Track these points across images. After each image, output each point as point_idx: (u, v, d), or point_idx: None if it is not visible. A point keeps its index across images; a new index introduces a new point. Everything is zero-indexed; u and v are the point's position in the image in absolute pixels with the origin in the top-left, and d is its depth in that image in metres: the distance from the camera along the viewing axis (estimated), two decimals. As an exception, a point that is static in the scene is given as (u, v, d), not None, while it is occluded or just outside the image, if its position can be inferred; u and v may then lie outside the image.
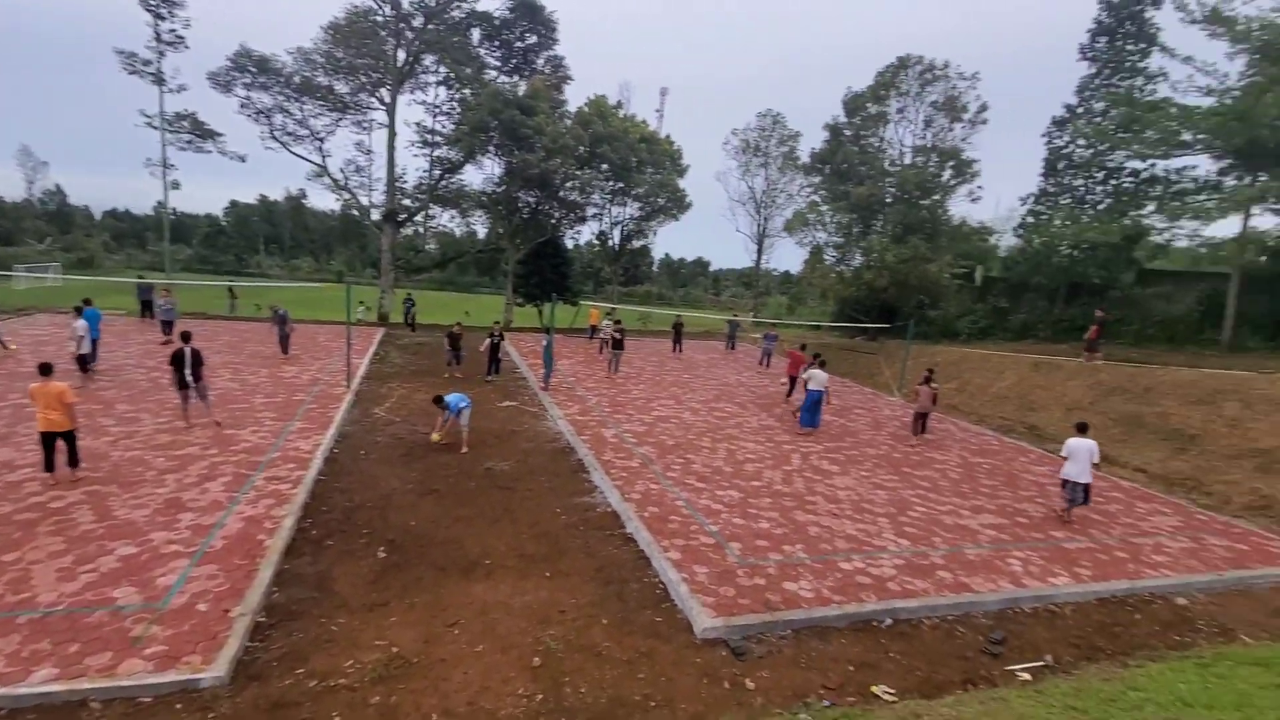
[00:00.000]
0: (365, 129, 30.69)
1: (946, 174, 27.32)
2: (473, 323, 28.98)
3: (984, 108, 26.74)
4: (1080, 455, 9.82)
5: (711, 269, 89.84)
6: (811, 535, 8.65)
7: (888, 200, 27.57)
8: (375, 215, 31.45)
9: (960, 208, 70.12)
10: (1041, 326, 24.28)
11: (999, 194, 60.71)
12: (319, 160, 29.99)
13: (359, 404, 14.34)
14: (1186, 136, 19.10)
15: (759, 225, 40.35)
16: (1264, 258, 19.75)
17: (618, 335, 19.83)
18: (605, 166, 31.04)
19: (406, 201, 31.52)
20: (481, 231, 40.56)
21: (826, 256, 31.47)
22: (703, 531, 8.45)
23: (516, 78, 30.20)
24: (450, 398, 11.49)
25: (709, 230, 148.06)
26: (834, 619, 6.65)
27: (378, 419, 13.33)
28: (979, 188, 27.36)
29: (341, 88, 29.00)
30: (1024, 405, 17.62)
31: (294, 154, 29.69)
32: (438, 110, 30.66)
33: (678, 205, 34.02)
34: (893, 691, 5.52)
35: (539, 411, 14.98)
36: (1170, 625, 7.39)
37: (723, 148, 39.80)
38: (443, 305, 40.26)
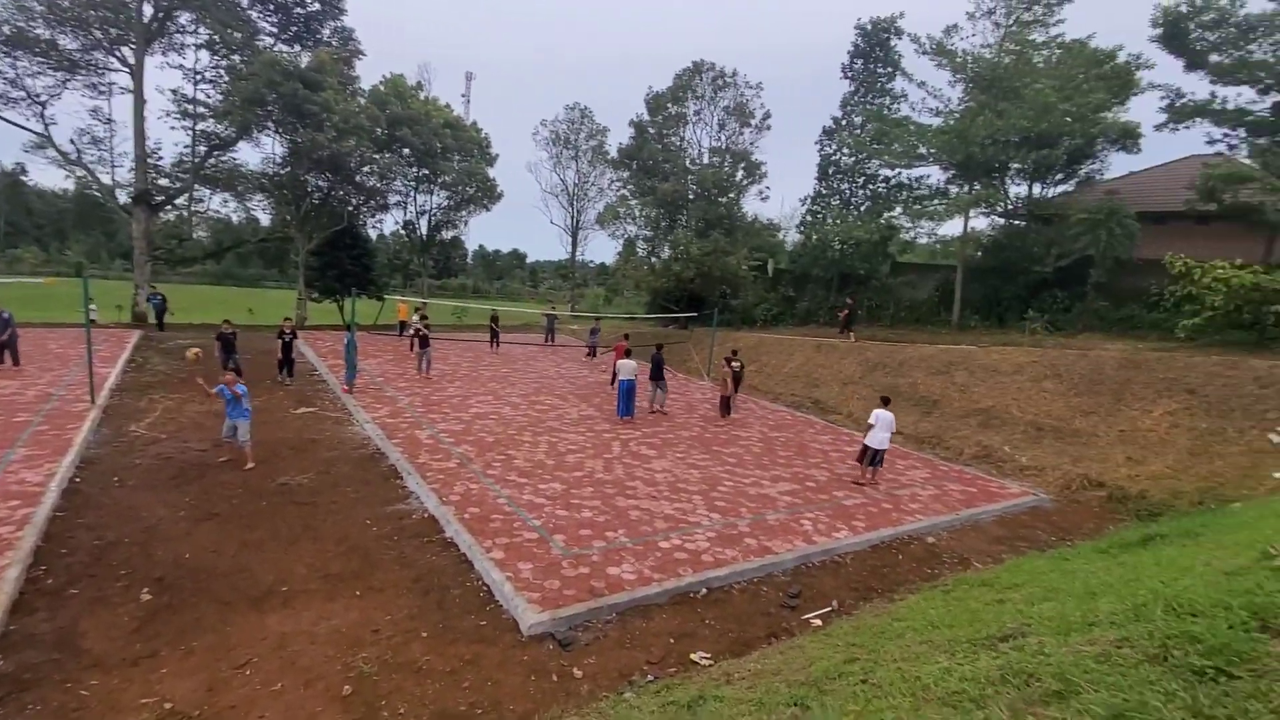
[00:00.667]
0: (103, 93, 25.61)
1: (739, 174, 29.75)
2: (258, 321, 25.72)
3: (768, 115, 29.51)
4: (883, 424, 11.18)
5: (529, 261, 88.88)
6: (632, 519, 8.97)
7: (690, 197, 29.32)
8: (123, 197, 26.44)
9: (752, 205, 76.05)
10: (821, 312, 27.49)
11: (784, 194, 67.97)
12: (40, 128, 24.48)
13: (109, 421, 12.04)
14: (923, 150, 22.70)
15: (573, 218, 40.75)
16: (980, 253, 24.19)
17: (424, 331, 18.74)
18: (407, 151, 29.20)
19: (163, 181, 26.92)
20: (265, 218, 36.05)
21: (639, 249, 32.69)
22: (526, 527, 8.37)
23: (298, 48, 27.13)
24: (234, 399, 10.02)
25: (525, 222, 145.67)
26: (655, 596, 6.97)
27: (136, 438, 11.30)
28: (767, 188, 30.29)
29: (69, 43, 23.83)
30: (810, 382, 19.85)
31: (3, 119, 23.93)
32: (200, 77, 26.53)
33: (488, 195, 33.14)
34: (709, 655, 5.94)
35: (342, 416, 13.75)
36: (923, 561, 8.80)
37: (533, 138, 39.51)
38: (220, 302, 35.18)
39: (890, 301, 26.01)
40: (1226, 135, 18.27)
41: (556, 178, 39.75)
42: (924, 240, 27.82)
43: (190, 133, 26.77)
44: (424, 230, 34.59)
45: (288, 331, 16.23)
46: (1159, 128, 19.02)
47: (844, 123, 28.35)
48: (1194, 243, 17.69)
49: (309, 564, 7.25)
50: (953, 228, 24.85)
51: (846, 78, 28.29)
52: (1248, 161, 17.61)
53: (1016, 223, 24.25)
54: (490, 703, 5.15)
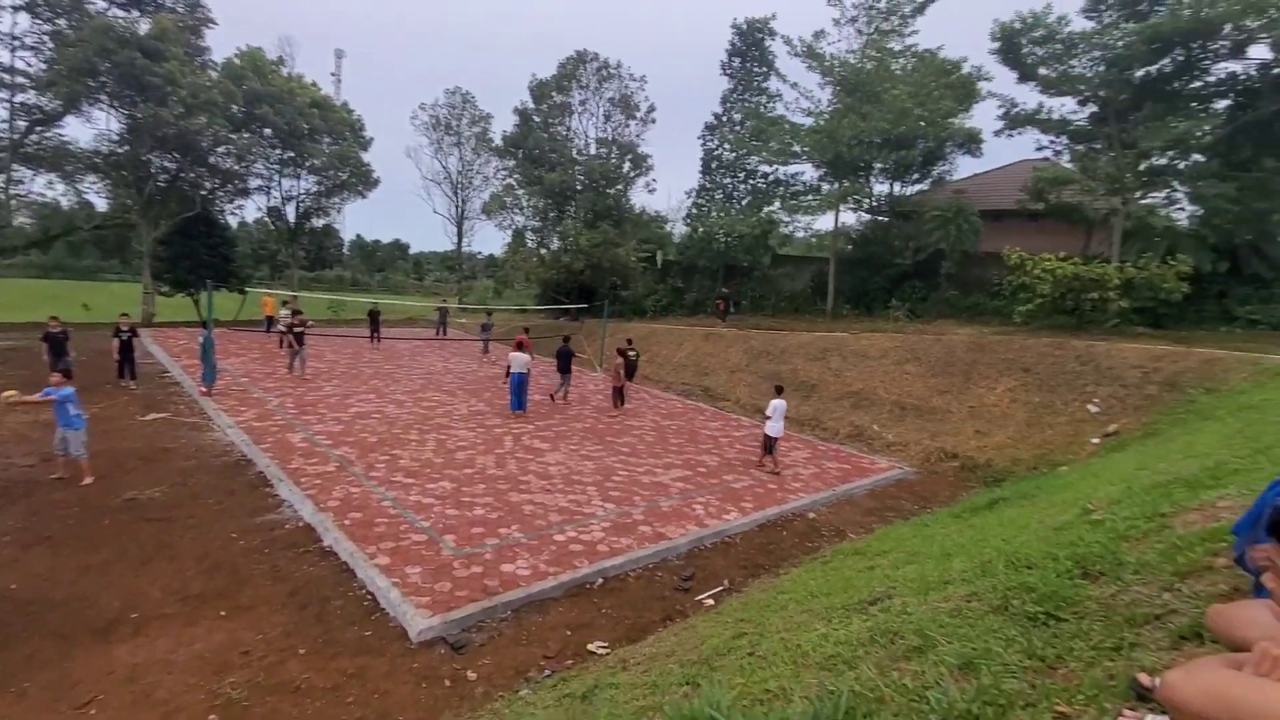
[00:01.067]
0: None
1: (626, 166, 30.00)
2: (95, 318, 22.80)
3: (653, 109, 29.94)
4: (779, 413, 11.63)
5: (412, 252, 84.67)
6: (526, 514, 8.86)
7: (578, 188, 29.20)
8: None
9: (640, 198, 76.79)
10: (708, 303, 28.40)
11: (670, 187, 69.38)
12: None
13: (-103, 440, 10.24)
14: (797, 149, 23.99)
15: (458, 207, 39.27)
16: (850, 246, 25.99)
17: (297, 327, 17.27)
18: (269, 132, 26.90)
19: (-31, 159, 23.15)
20: (102, 203, 31.84)
21: (528, 240, 32.14)
22: (414, 529, 8.04)
23: (136, 13, 24.15)
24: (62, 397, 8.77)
25: (406, 211, 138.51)
26: (551, 590, 6.93)
27: (-65, 457, 9.68)
28: (654, 180, 30.77)
29: None
30: (699, 370, 20.47)
31: None
32: (19, 43, 22.96)
33: (363, 181, 31.25)
34: (606, 644, 5.99)
35: (201, 421, 12.51)
36: (805, 535, 9.35)
37: (411, 123, 37.60)
38: (50, 297, 30.78)
39: (771, 292, 27.33)
40: (1052, 142, 20.72)
41: (438, 165, 38.09)
42: (801, 234, 29.51)
43: (8, 105, 23.17)
44: (292, 218, 32.05)
45: (125, 329, 14.53)
46: (997, 133, 21.24)
47: (725, 119, 29.30)
48: (1027, 238, 19.96)
49: (164, 586, 6.55)
50: (825, 222, 26.52)
51: (726, 75, 29.24)
52: (1069, 166, 20.06)
53: (880, 218, 26.22)
54: (378, 716, 4.91)
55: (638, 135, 30.38)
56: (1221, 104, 18.53)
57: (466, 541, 7.83)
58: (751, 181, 29.10)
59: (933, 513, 9.78)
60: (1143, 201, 19.44)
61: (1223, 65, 18.07)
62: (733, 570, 7.95)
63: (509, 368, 14.64)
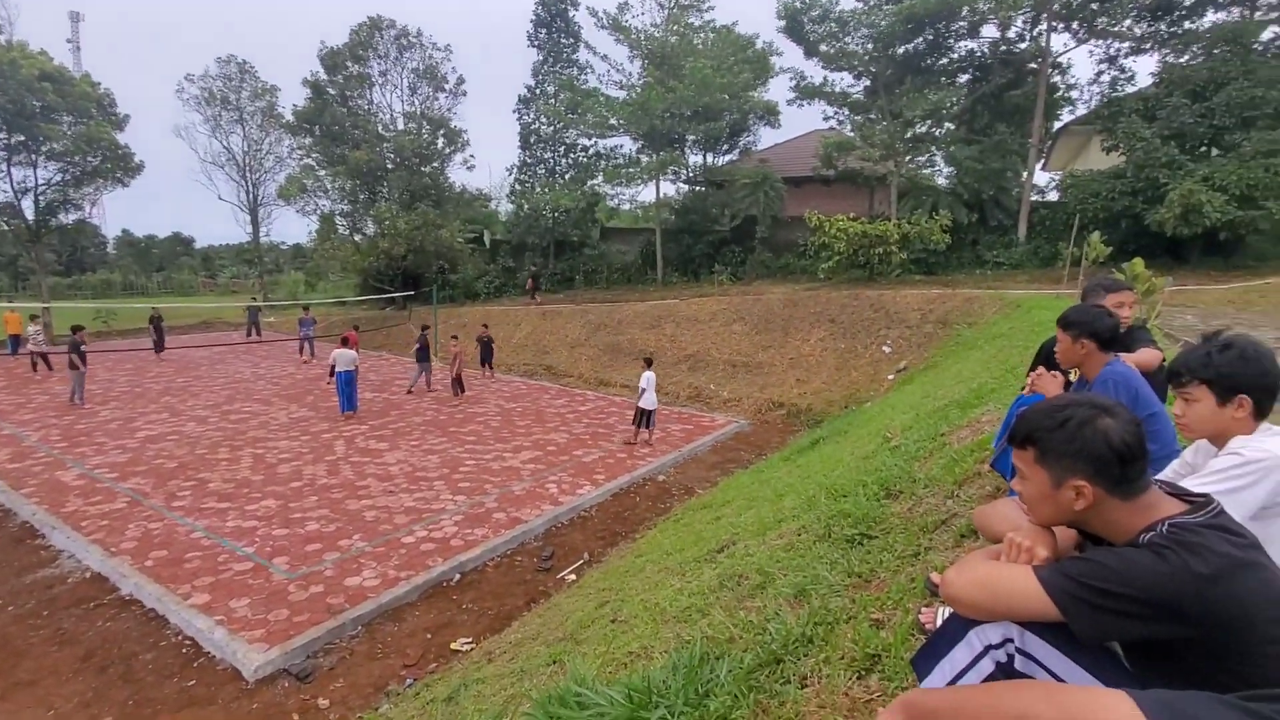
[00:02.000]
0: None
1: (440, 142, 28.51)
2: None
3: (462, 80, 28.63)
4: (652, 385, 11.70)
5: (199, 246, 73.77)
6: (369, 520, 8.31)
7: (389, 166, 27.27)
8: None
9: (459, 175, 73.68)
10: (542, 280, 28.16)
11: (491, 163, 67.15)
12: None
13: None
14: (614, 121, 24.31)
15: (248, 192, 34.80)
16: (672, 216, 27.02)
17: (81, 345, 14.14)
18: (-18, 111, 21.90)
19: None
20: None
21: (338, 226, 29.51)
22: (236, 558, 7.20)
23: None
24: None
25: (187, 199, 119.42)
26: (405, 595, 6.61)
27: None
28: (472, 156, 29.58)
29: None
30: (539, 349, 20.32)
31: None
32: None
33: (121, 166, 26.55)
34: (470, 640, 5.86)
35: (-74, 475, 10.10)
36: (657, 498, 9.77)
37: (178, 97, 32.47)
38: None
39: (604, 265, 27.71)
40: (836, 112, 23.00)
41: (218, 144, 33.35)
42: (627, 206, 30.14)
43: None
44: (31, 214, 26.49)
45: None
46: (790, 104, 23.15)
47: (538, 92, 28.81)
48: (823, 201, 22.11)
49: (-101, 684, 5.29)
50: (649, 194, 27.30)
51: (534, 46, 28.67)
52: (851, 134, 22.41)
53: (698, 188, 27.52)
54: (217, 770, 4.41)
55: (449, 109, 28.95)
56: (963, 78, 21.70)
57: (301, 561, 7.18)
58: (573, 155, 29.04)
59: (767, 459, 10.66)
60: (911, 165, 22.30)
61: (963, 43, 21.12)
62: (591, 542, 8.10)
63: (333, 366, 13.43)
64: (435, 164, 28.27)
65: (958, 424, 4.91)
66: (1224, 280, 14.84)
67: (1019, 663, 1.20)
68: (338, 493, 9.24)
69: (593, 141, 28.02)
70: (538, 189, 28.42)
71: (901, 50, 20.52)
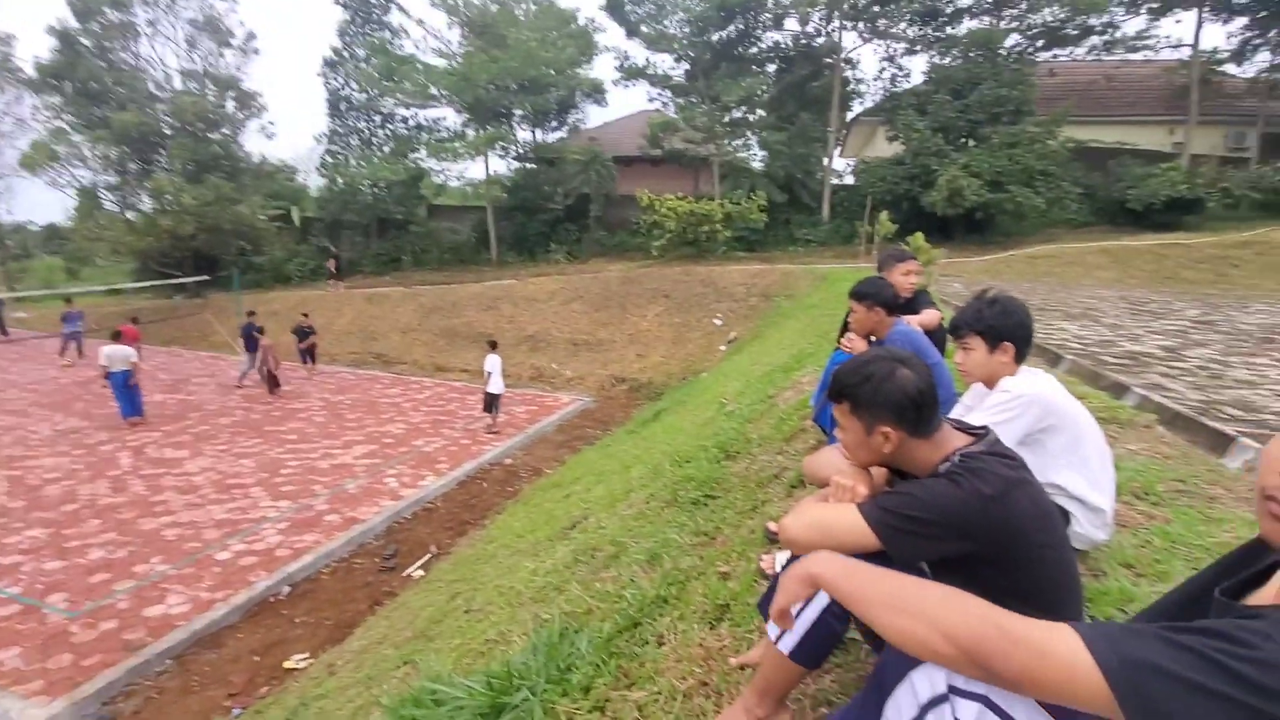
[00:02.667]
0: None
1: (230, 105, 25.14)
2: None
3: (253, 36, 25.40)
4: (498, 368, 11.20)
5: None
6: (170, 540, 7.27)
7: (167, 132, 23.55)
8: None
9: (257, 144, 66.13)
10: (365, 262, 26.10)
11: (295, 132, 60.49)
12: None
13: None
14: (434, 91, 22.97)
15: (-28, 161, 28.17)
16: (504, 194, 26.25)
17: None
18: None
19: None
20: None
21: (105, 202, 24.98)
22: (-7, 605, 5.97)
23: None
24: None
25: None
26: (224, 618, 5.91)
27: None
28: (270, 123, 26.48)
29: None
30: (367, 336, 18.91)
31: None
32: None
33: None
34: (307, 655, 5.40)
35: None
36: (505, 482, 9.60)
37: None
38: None
39: (434, 245, 26.31)
40: (660, 94, 23.66)
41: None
42: (456, 183, 28.69)
43: None
44: None
45: None
46: (615, 84, 23.44)
47: (346, 54, 26.37)
48: (653, 181, 22.75)
49: None
50: (478, 170, 26.26)
51: (339, 4, 26.15)
52: (675, 116, 23.20)
53: (529, 165, 26.99)
54: None
55: (239, 68, 25.53)
56: (771, 67, 23.33)
57: (85, 595, 6.12)
58: (391, 126, 27.04)
59: (613, 434, 10.91)
60: (730, 147, 23.64)
61: (769, 34, 22.67)
62: (438, 534, 7.79)
63: (106, 368, 11.38)
64: (226, 131, 24.85)
65: (783, 386, 5.37)
66: (981, 254, 17.60)
67: None
68: (127, 512, 7.97)
69: (412, 112, 26.29)
70: (352, 161, 26.12)
71: (716, 37, 21.55)
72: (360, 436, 11.19)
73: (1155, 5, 19.52)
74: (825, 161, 22.72)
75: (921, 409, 1.39)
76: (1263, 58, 19.78)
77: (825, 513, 1.42)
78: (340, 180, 25.55)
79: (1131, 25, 20.41)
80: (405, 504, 8.45)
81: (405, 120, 26.85)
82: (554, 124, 26.47)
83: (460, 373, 16.28)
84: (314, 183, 31.96)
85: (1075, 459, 1.98)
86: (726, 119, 22.61)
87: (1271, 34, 19.13)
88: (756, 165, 23.64)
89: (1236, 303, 10.70)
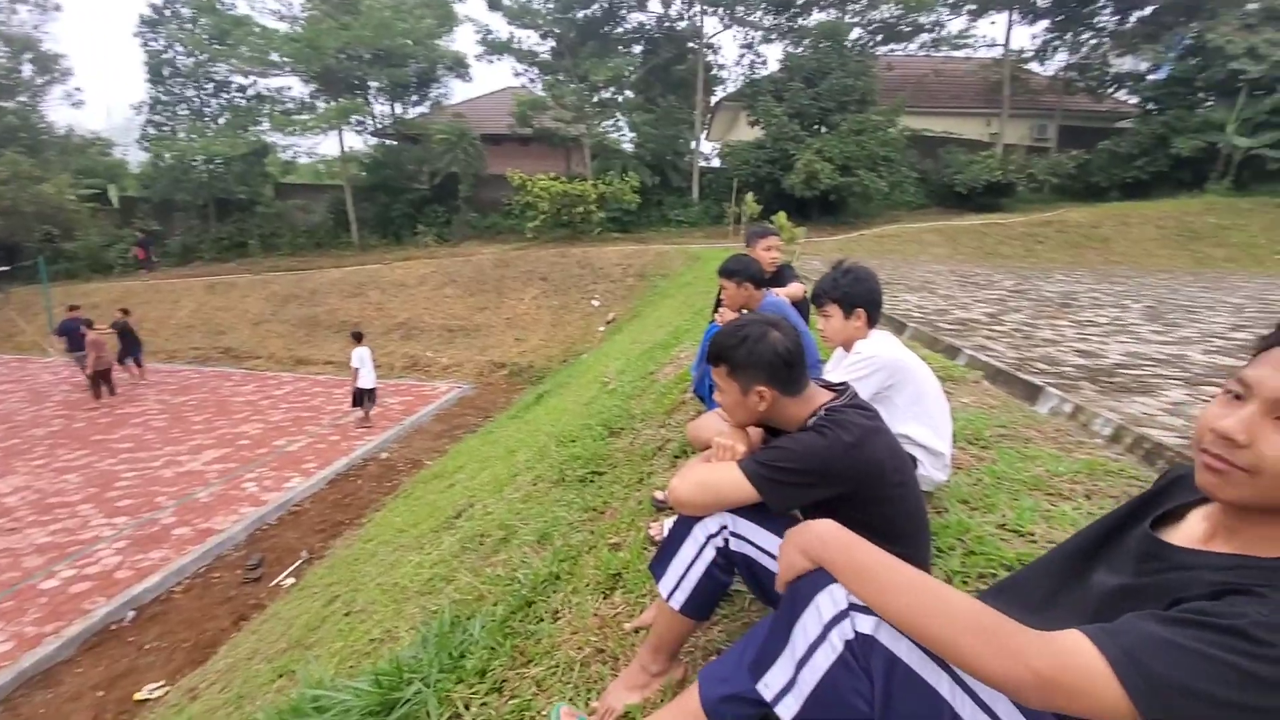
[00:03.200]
0: None
1: (28, 70, 21.49)
2: None
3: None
4: (368, 361, 10.56)
5: None
6: (-24, 576, 6.27)
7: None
8: None
9: (63, 114, 57.64)
10: (204, 247, 23.46)
11: (109, 100, 52.40)
12: None
13: None
14: (275, 57, 20.90)
15: None
16: (363, 172, 24.52)
17: None
18: None
19: None
20: None
21: None
22: None
23: None
24: None
25: None
26: (57, 653, 5.22)
27: None
28: (77, 90, 22.93)
29: None
30: (212, 330, 17.12)
31: None
32: None
33: None
34: (161, 684, 4.90)
35: None
36: (382, 477, 9.16)
37: None
38: None
39: (284, 228, 24.13)
40: (526, 70, 23.08)
41: None
42: (306, 160, 26.44)
43: None
44: None
45: None
46: (479, 58, 22.57)
47: (169, 13, 23.34)
48: (524, 161, 22.24)
49: None
50: (332, 147, 24.39)
51: (157, -46, 23.05)
52: (543, 94, 22.75)
53: (390, 142, 25.41)
54: None
55: (36, 27, 21.79)
56: (637, 48, 23.48)
57: None
58: (226, 95, 24.31)
59: (495, 420, 10.70)
60: (600, 128, 23.60)
61: (634, 15, 22.78)
62: (310, 538, 7.30)
63: None
64: (24, 98, 21.20)
65: (662, 362, 5.55)
66: (835, 234, 18.94)
67: (733, 544, 1.48)
68: (-87, 549, 6.76)
69: (251, 80, 23.78)
70: (181, 134, 23.25)
71: (581, 15, 21.32)
72: (211, 440, 10.18)
73: (973, 7, 21.76)
74: (693, 144, 23.31)
75: (792, 368, 1.52)
76: (1060, 58, 22.74)
77: (709, 472, 1.51)
78: (168, 156, 22.65)
79: (955, 25, 22.68)
80: (269, 509, 7.84)
81: (243, 89, 24.25)
82: (415, 98, 25.06)
83: (325, 365, 15.21)
84: (136, 158, 28.14)
85: (920, 410, 2.21)
86: (596, 99, 22.53)
87: (1068, 36, 21.98)
88: (627, 147, 23.80)
89: (1042, 274, 12.36)
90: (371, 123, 24.84)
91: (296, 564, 6.70)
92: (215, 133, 22.83)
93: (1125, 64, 21.64)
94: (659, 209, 22.56)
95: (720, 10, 22.52)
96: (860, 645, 1.01)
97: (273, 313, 17.38)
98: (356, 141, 25.67)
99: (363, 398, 10.97)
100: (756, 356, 1.50)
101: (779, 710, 1.08)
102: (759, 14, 22.72)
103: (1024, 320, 6.76)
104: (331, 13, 20.02)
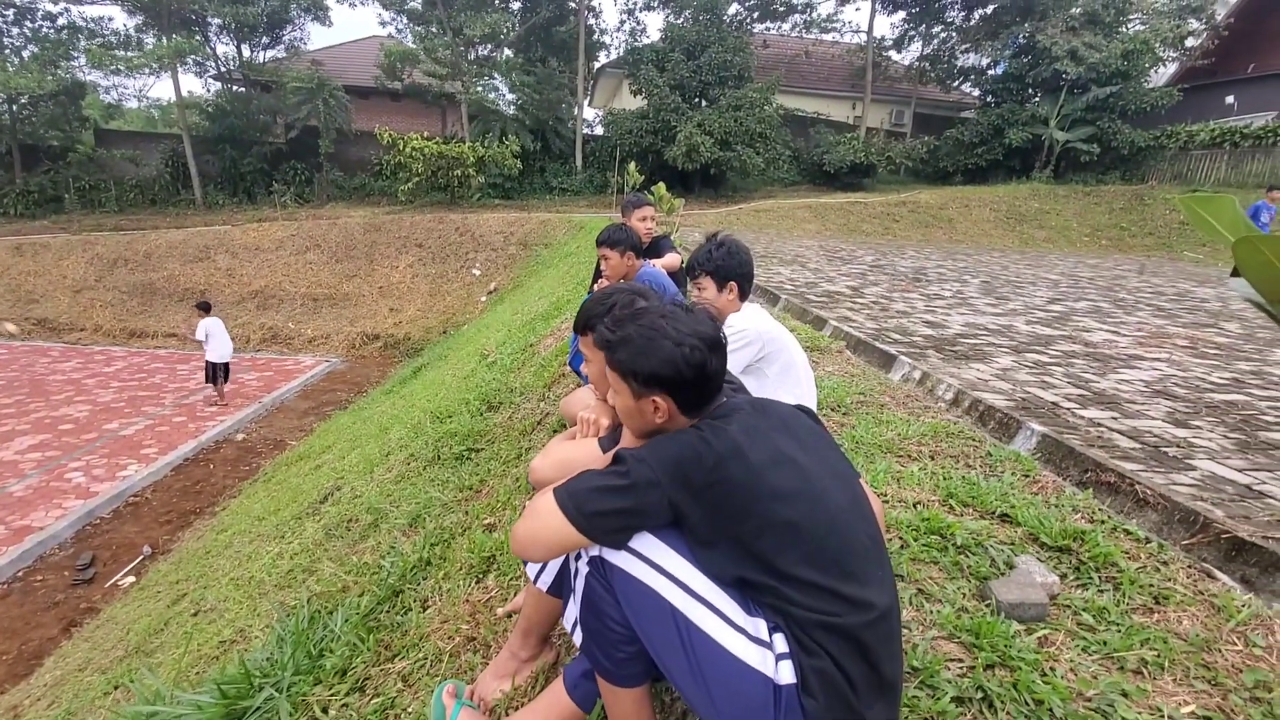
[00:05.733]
0: None
1: None
2: None
3: None
4: (219, 333, 9.69)
5: None
6: None
7: None
8: None
9: None
10: (8, 201, 19.98)
11: None
12: None
13: None
14: (95, -18, 18.01)
15: None
16: (208, 122, 21.78)
17: None
18: None
19: None
20: None
21: None
22: None
23: None
24: None
25: None
26: None
27: None
28: None
29: None
30: (23, 298, 14.78)
31: None
32: None
33: None
34: (-31, 705, 4.27)
35: None
36: (238, 460, 8.43)
37: None
38: None
39: (109, 180, 21.06)
40: (395, 19, 21.41)
41: None
42: (136, 104, 23.07)
43: None
44: None
45: None
46: (340, 1, 20.55)
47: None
48: (395, 118, 20.80)
49: None
50: (168, 90, 21.40)
51: None
52: (414, 46, 21.24)
53: (238, 88, 22.78)
54: None
55: None
56: (516, 4, 22.46)
57: None
58: (30, 23, 20.62)
59: (369, 395, 10.14)
60: (479, 87, 22.48)
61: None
62: (152, 531, 6.61)
63: None
64: None
65: (543, 334, 5.46)
66: (715, 206, 19.41)
67: None
68: None
69: (62, 7, 20.30)
70: (-32, 67, 19.47)
71: (453, -38, 20.06)
72: (26, 425, 8.88)
73: (842, -8, 22.81)
74: (576, 110, 22.84)
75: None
76: (915, 48, 24.40)
77: (570, 450, 1.51)
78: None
79: (825, 8, 23.67)
80: (101, 501, 7.00)
81: (52, 18, 20.65)
82: (265, 40, 22.50)
83: (167, 337, 13.68)
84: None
85: (789, 380, 2.31)
86: (472, 55, 21.39)
87: (922, 28, 23.60)
88: (508, 110, 22.88)
89: (897, 250, 13.42)
90: (214, 65, 22.09)
91: (137, 561, 6.05)
92: (18, 67, 19.31)
93: (970, 58, 23.62)
94: (541, 176, 22.00)
95: (602, -29, 22.02)
96: (596, 565, 1.16)
97: (98, 278, 15.25)
98: (197, 86, 22.74)
99: (215, 372, 10.00)
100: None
101: (574, 639, 1.24)
102: (638, -20, 22.52)
103: (881, 294, 7.32)
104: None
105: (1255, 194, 13.73)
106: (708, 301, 2.36)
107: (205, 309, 10.15)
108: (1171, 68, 22.20)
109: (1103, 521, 2.03)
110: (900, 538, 1.86)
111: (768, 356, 2.30)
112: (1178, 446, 2.80)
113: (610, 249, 3.12)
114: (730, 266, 2.30)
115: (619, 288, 1.58)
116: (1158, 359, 4.69)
